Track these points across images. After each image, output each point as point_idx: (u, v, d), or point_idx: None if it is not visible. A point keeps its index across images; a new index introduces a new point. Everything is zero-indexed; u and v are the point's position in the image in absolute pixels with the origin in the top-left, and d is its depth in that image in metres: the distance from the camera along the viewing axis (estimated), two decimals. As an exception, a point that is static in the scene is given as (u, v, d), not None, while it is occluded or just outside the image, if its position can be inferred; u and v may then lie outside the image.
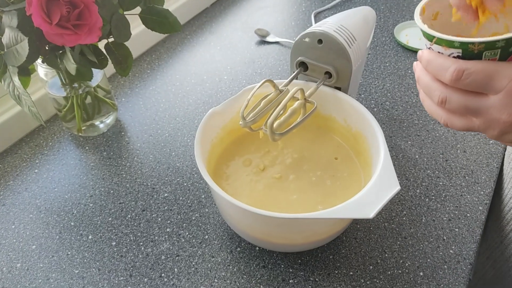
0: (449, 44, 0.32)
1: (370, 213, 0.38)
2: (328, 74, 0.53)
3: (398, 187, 0.40)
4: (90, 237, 0.53)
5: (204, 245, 0.52)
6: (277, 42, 0.85)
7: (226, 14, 0.95)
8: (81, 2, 0.41)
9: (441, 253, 0.50)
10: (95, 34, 0.42)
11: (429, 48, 0.34)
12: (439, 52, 0.33)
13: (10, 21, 0.40)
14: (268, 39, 0.86)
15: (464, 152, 0.62)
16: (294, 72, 0.55)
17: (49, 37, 0.41)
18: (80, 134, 0.66)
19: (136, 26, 0.76)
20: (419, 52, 0.35)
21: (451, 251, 0.51)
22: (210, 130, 0.51)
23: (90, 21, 0.42)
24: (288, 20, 0.92)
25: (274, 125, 0.47)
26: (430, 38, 0.33)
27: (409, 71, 0.76)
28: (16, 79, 0.42)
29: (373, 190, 0.40)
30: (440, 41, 0.32)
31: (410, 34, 0.84)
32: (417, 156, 0.61)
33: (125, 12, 0.53)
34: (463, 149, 0.62)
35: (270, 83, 0.50)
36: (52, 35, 0.40)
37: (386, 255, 0.50)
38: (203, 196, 0.57)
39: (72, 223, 0.55)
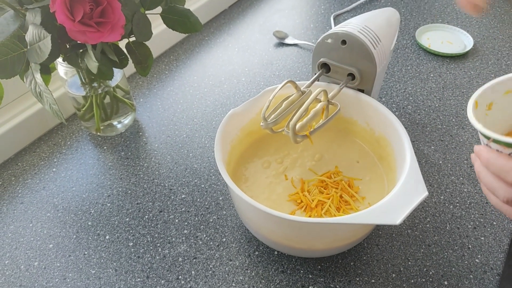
0: (508, 145, 0.30)
1: (397, 219, 0.37)
2: (351, 76, 0.52)
3: (426, 193, 0.39)
4: (107, 237, 0.53)
5: (221, 248, 0.51)
6: (295, 44, 0.84)
7: (244, 16, 0.94)
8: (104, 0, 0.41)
9: (466, 262, 0.49)
10: (117, 32, 0.42)
11: (486, 144, 0.32)
12: (497, 150, 0.31)
13: (34, 18, 0.40)
14: (287, 41, 0.85)
15: (490, 158, 0.60)
16: (315, 73, 0.54)
17: (72, 34, 0.41)
18: (98, 133, 0.66)
19: (155, 27, 0.76)
20: (476, 148, 0.33)
21: (477, 260, 0.49)
22: (230, 131, 0.51)
23: (113, 18, 0.41)
24: (306, 22, 0.91)
25: (297, 126, 0.46)
26: (486, 137, 0.31)
27: (431, 75, 0.75)
28: (38, 76, 0.41)
29: (399, 195, 0.39)
30: (497, 141, 0.31)
31: (432, 37, 0.82)
32: (440, 162, 0.60)
33: (146, 12, 0.53)
34: (488, 155, 0.60)
35: (292, 84, 0.49)
36: (74, 32, 0.40)
37: (410, 263, 0.49)
38: (220, 198, 0.57)
39: (89, 223, 0.55)
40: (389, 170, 0.50)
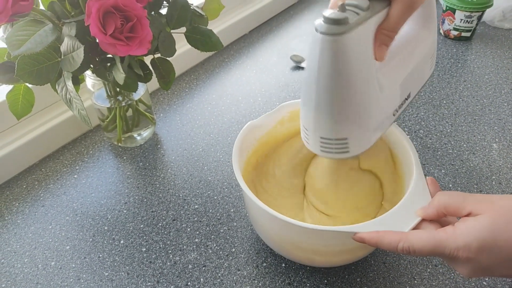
0: None
1: (406, 227, 0.38)
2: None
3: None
4: (121, 241, 0.55)
5: (230, 257, 0.52)
6: (312, 69, 0.87)
7: (263, 41, 0.98)
8: (134, 16, 0.44)
9: (473, 284, 0.49)
10: (145, 47, 0.46)
11: None
12: None
13: (69, 31, 0.44)
14: (303, 65, 0.88)
15: (500, 184, 0.60)
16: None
17: (103, 46, 0.44)
18: (119, 144, 0.69)
19: (179, 47, 0.80)
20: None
21: (484, 283, 0.49)
22: (247, 142, 0.53)
23: (141, 34, 0.45)
24: (323, 48, 0.94)
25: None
26: None
27: (444, 101, 0.76)
28: (69, 83, 0.45)
29: (406, 206, 0.40)
30: None
31: (446, 66, 0.84)
32: (450, 185, 0.60)
33: (171, 31, 0.57)
34: (498, 180, 0.61)
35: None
36: (106, 44, 0.44)
37: (416, 281, 0.49)
38: (232, 210, 0.58)
39: (105, 227, 0.57)
40: (400, 191, 0.51)
